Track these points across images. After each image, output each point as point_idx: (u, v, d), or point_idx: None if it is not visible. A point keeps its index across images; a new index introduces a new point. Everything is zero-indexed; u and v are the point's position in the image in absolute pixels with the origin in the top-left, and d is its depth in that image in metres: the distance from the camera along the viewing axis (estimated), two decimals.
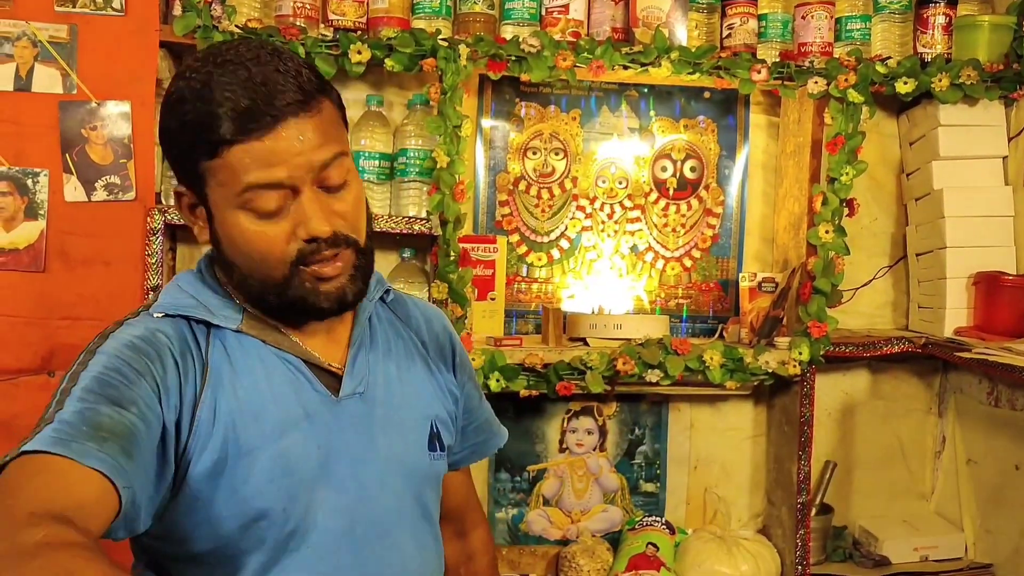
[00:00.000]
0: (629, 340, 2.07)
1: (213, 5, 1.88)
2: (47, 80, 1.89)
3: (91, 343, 1.00)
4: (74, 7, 1.89)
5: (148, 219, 1.88)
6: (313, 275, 1.01)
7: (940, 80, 2.10)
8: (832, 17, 2.15)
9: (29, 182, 1.90)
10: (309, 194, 0.99)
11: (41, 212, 1.90)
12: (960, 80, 2.11)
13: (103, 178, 1.92)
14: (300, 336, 1.09)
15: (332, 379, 1.09)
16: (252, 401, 1.03)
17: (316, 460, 1.05)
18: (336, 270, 1.02)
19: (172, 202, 1.91)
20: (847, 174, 2.09)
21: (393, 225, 1.98)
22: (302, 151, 0.97)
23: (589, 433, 2.29)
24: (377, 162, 2.02)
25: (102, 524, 0.84)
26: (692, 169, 2.31)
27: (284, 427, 1.03)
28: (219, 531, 1.00)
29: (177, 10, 1.90)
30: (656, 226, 2.30)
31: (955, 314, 2.17)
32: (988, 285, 2.13)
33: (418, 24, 2.02)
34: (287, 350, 1.07)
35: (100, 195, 1.92)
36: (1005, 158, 2.21)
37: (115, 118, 1.91)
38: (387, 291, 1.22)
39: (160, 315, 1.04)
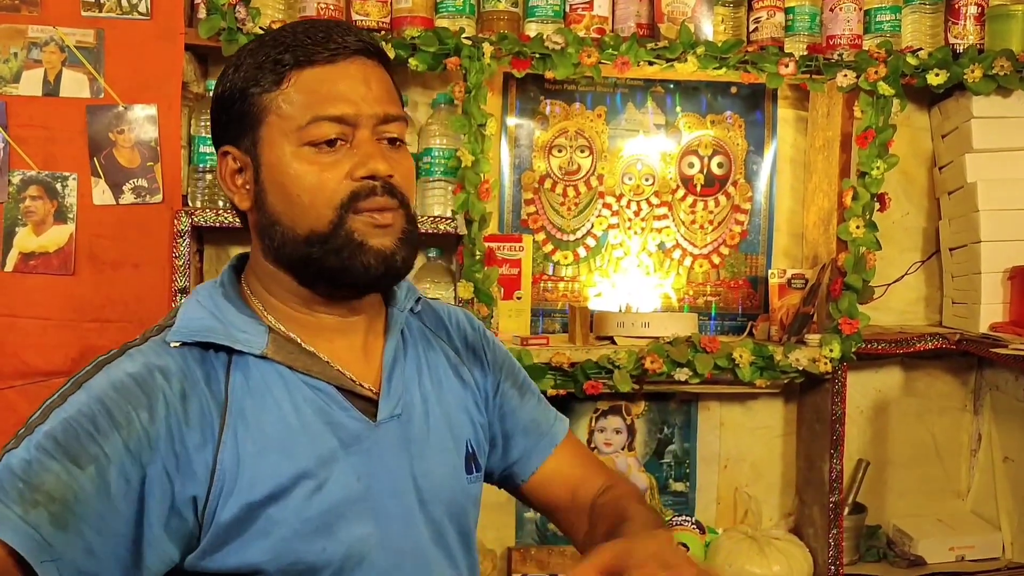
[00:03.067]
0: (657, 338, 2.05)
1: (237, 7, 1.89)
2: (75, 85, 1.91)
3: (83, 371, 0.93)
4: (100, 12, 1.91)
5: (175, 221, 1.89)
6: (365, 222, 0.96)
7: (973, 71, 2.07)
8: (861, 9, 2.12)
9: (58, 186, 1.91)
10: (369, 135, 0.98)
11: (70, 215, 1.92)
12: (993, 71, 2.07)
13: (131, 181, 1.93)
14: (331, 352, 1.02)
15: (367, 403, 1.02)
16: (280, 436, 0.95)
17: (356, 493, 0.98)
18: (387, 219, 0.97)
19: (198, 204, 1.93)
20: (878, 168, 2.06)
21: (422, 224, 1.98)
22: (367, 95, 0.97)
23: (617, 432, 2.28)
24: None
25: None
26: (719, 165, 2.29)
27: (319, 462, 0.96)
28: None
29: (202, 13, 1.91)
30: (683, 223, 2.28)
31: (990, 309, 2.13)
32: None
33: (442, 23, 2.01)
34: (317, 375, 1.00)
35: (128, 198, 1.93)
36: None
37: (142, 121, 1.92)
38: (417, 300, 1.15)
39: (177, 344, 0.96)
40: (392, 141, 1.00)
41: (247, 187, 1.01)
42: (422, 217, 1.99)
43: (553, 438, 1.24)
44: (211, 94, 1.96)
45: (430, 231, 1.98)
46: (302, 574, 0.95)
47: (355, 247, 0.96)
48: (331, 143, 0.96)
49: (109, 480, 0.85)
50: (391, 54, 1.91)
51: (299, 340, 1.01)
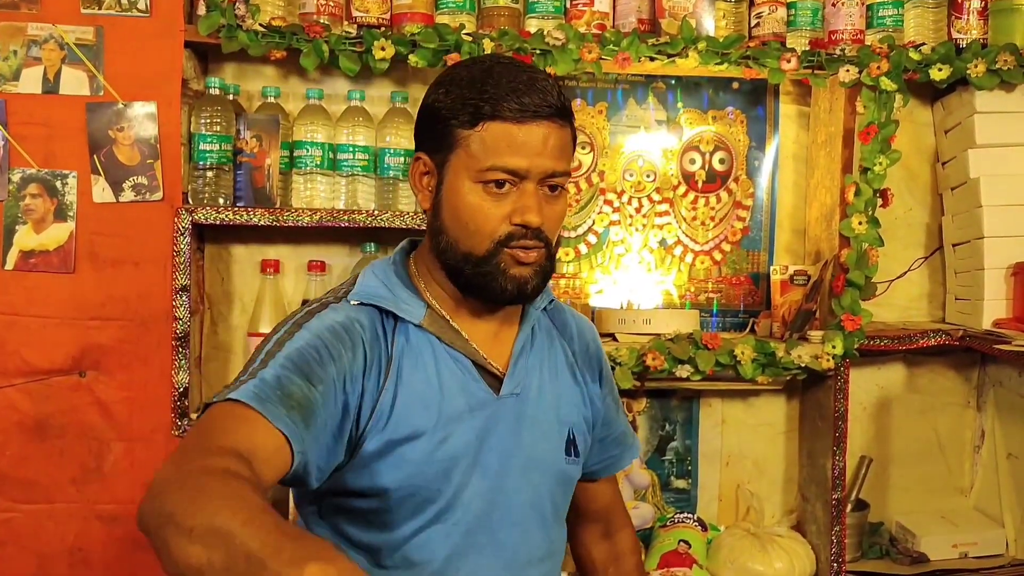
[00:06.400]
0: (659, 335, 2.05)
1: (237, 4, 1.88)
2: (74, 82, 1.90)
3: (296, 315, 1.16)
4: (100, 9, 1.90)
5: (175, 219, 1.89)
6: (512, 256, 1.16)
7: (976, 66, 2.05)
8: (863, 4, 2.11)
9: (58, 184, 1.91)
10: (533, 188, 1.15)
11: (70, 213, 1.92)
12: (997, 66, 2.05)
13: (130, 179, 1.93)
14: (471, 332, 1.23)
15: (494, 379, 1.23)
16: (424, 392, 1.17)
17: (472, 448, 1.19)
18: (530, 258, 1.16)
19: (198, 201, 1.92)
20: (880, 164, 2.05)
21: (420, 221, 1.97)
22: (543, 152, 1.14)
23: None
24: (402, 159, 2.01)
25: (273, 476, 0.99)
26: (721, 161, 2.28)
27: (449, 418, 1.18)
28: (381, 497, 1.16)
29: (201, 10, 1.90)
30: (685, 219, 2.28)
31: (993, 305, 2.12)
32: None
33: (442, 19, 2.00)
34: (459, 349, 1.21)
35: (128, 196, 1.93)
36: None
37: (141, 119, 1.92)
38: (550, 301, 1.36)
39: (356, 303, 1.18)
40: (553, 188, 1.18)
41: (430, 190, 1.20)
42: (421, 214, 1.98)
43: (633, 452, 1.50)
44: (212, 90, 1.95)
45: None
46: (417, 504, 1.17)
47: (499, 273, 1.17)
48: (500, 185, 1.14)
49: (329, 398, 1.08)
50: (391, 51, 1.91)
51: (448, 318, 1.23)
